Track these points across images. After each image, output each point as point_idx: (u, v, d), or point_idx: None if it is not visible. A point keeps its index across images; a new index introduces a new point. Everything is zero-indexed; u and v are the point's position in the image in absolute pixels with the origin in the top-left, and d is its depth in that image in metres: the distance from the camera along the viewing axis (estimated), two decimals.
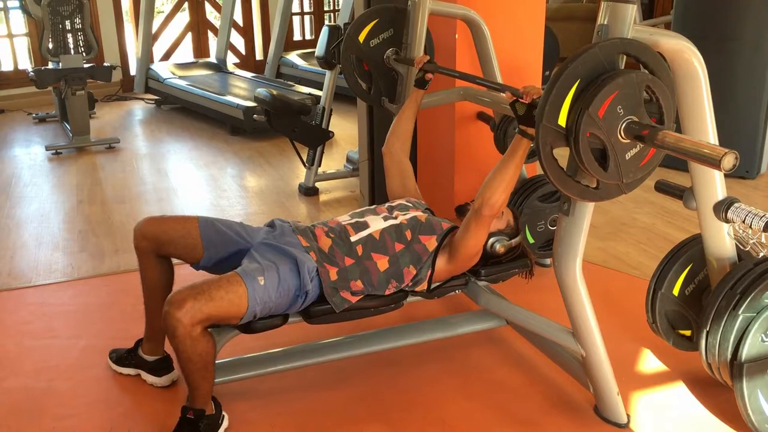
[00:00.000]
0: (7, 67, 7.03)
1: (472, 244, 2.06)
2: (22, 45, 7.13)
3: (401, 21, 2.72)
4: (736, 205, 1.95)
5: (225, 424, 2.03)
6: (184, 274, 2.24)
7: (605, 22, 1.70)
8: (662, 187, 2.13)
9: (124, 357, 2.35)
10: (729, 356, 1.94)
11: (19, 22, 7.19)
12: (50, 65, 5.45)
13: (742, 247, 2.06)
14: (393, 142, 2.51)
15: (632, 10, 1.67)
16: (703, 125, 1.90)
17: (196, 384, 1.91)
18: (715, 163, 1.43)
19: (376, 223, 2.15)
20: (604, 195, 1.74)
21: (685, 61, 1.82)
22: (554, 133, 1.61)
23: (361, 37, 2.73)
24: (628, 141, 1.63)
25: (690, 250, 2.16)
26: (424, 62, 2.52)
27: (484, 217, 1.99)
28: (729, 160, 1.42)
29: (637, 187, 1.75)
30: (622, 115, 1.60)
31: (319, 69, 5.20)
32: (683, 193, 2.05)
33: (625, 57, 1.67)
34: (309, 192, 4.31)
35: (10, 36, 7.02)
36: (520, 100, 1.91)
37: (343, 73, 2.86)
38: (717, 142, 1.93)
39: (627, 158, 1.65)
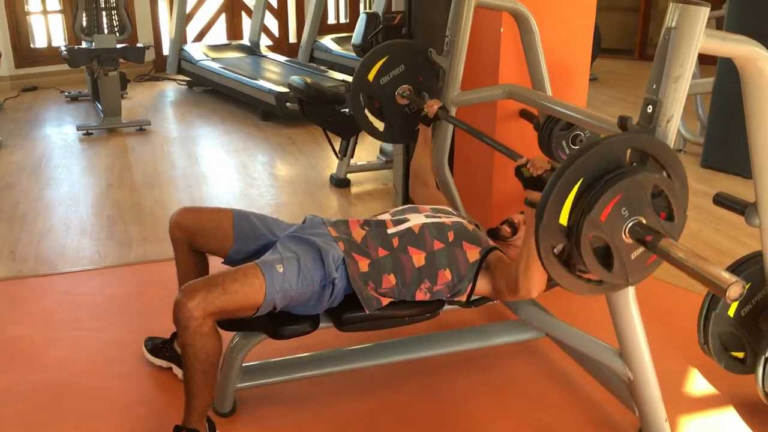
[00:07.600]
0: (41, 43, 7.03)
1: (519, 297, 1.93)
2: (57, 22, 7.11)
3: (412, 57, 2.69)
4: None
5: None
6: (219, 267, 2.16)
7: (673, 26, 1.56)
8: (722, 201, 1.99)
9: (158, 347, 2.31)
10: None
11: None
12: (83, 44, 5.41)
13: None
14: (416, 184, 2.58)
15: (705, 14, 1.53)
16: None
17: (196, 392, 1.80)
18: (720, 290, 1.29)
19: (417, 219, 2.05)
20: (611, 289, 1.66)
21: (758, 70, 1.68)
22: (556, 232, 1.48)
23: (371, 75, 2.65)
24: (633, 242, 1.49)
25: (749, 269, 2.01)
26: (437, 107, 2.51)
27: (532, 296, 1.88)
28: (735, 291, 1.27)
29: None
30: (627, 216, 1.46)
31: (354, 55, 5.09)
32: (745, 209, 1.91)
33: None
34: (341, 184, 4.21)
35: (45, 12, 7.01)
36: (527, 168, 1.81)
37: (354, 113, 2.78)
38: None
39: (632, 258, 1.51)
